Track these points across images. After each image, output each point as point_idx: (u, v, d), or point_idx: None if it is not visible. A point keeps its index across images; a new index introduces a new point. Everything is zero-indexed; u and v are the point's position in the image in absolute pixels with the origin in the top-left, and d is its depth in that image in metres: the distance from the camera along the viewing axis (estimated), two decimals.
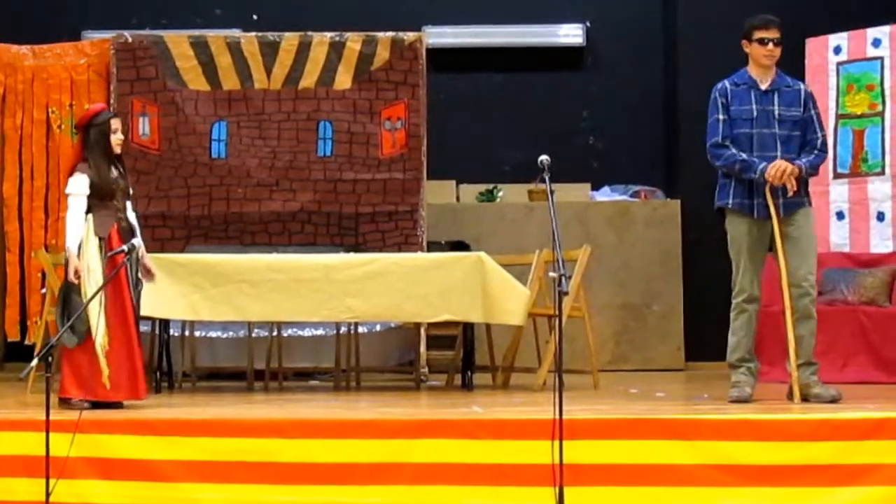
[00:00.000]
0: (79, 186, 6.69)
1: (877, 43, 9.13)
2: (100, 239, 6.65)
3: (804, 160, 6.81)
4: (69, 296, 6.60)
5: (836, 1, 10.13)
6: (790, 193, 6.75)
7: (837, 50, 9.30)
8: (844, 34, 9.28)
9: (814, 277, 6.89)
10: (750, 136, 6.88)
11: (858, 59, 9.21)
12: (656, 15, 11.03)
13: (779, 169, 6.70)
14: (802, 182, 6.88)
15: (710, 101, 7.02)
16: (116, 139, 6.81)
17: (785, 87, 6.97)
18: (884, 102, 9.07)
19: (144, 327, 8.21)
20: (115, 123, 6.83)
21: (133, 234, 6.81)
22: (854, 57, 9.24)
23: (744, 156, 6.83)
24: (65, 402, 6.52)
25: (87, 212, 6.68)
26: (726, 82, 7.01)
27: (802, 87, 7.05)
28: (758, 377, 7.01)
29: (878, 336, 8.42)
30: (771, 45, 6.91)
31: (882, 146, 9.04)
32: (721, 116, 6.94)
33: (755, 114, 6.89)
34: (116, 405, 6.59)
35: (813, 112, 6.95)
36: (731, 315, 6.98)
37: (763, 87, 6.94)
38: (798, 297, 6.83)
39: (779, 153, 6.81)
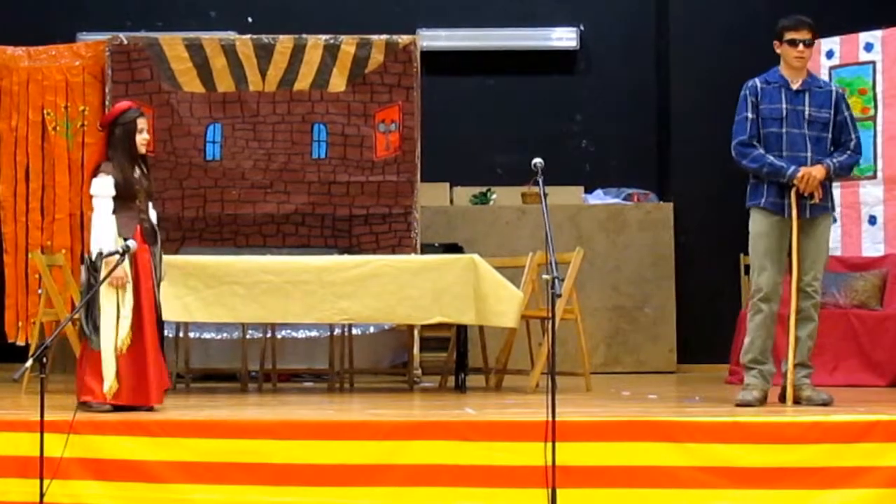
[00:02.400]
0: (105, 188, 6.55)
1: (869, 47, 9.16)
2: (124, 240, 6.48)
3: (834, 160, 6.77)
4: (95, 298, 6.45)
5: (829, 5, 10.17)
6: (816, 200, 6.74)
7: (830, 54, 9.33)
8: (837, 38, 9.31)
9: (819, 283, 6.88)
10: (780, 135, 6.81)
11: (851, 63, 9.24)
12: (649, 19, 11.06)
13: (808, 179, 6.67)
14: (828, 187, 6.85)
15: (739, 98, 6.92)
16: (142, 139, 6.68)
17: (816, 88, 6.91)
18: (876, 107, 9.10)
19: None
20: (142, 123, 6.70)
21: (156, 235, 6.75)
22: (846, 61, 9.27)
23: (771, 158, 6.76)
24: (85, 406, 6.36)
25: (112, 213, 6.56)
26: (757, 80, 6.93)
27: (834, 88, 7.00)
28: (771, 381, 6.92)
29: (869, 339, 8.45)
30: (801, 47, 6.86)
31: (874, 150, 9.06)
32: (749, 115, 6.85)
33: (785, 113, 6.82)
34: (142, 408, 6.46)
35: (846, 114, 6.90)
36: (748, 315, 6.96)
37: (794, 87, 6.87)
38: (802, 299, 6.82)
39: (809, 153, 6.78)
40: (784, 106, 6.85)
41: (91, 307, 6.47)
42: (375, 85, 9.35)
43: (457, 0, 11.10)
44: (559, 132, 10.99)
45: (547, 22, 11.04)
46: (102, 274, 6.40)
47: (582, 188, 10.72)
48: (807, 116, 6.84)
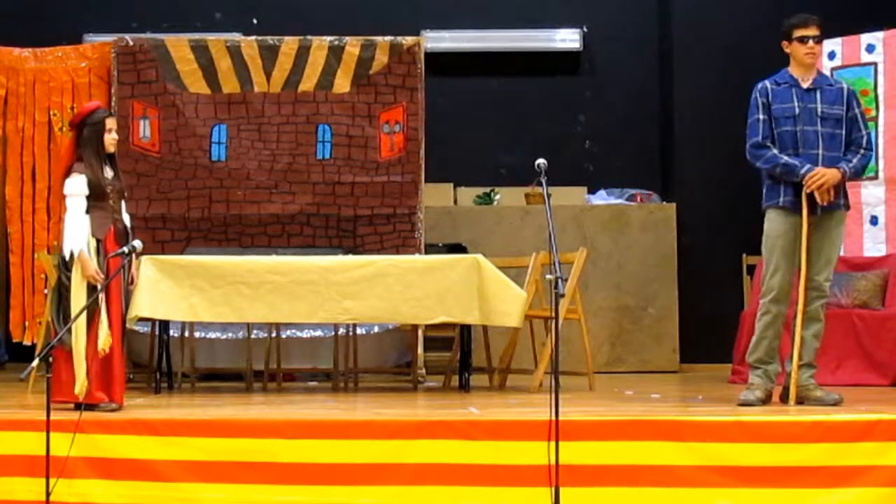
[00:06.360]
0: (78, 187, 6.51)
1: (871, 48, 9.18)
2: (97, 241, 6.51)
3: (849, 165, 6.76)
4: (65, 297, 6.47)
5: (831, 6, 10.17)
6: (823, 203, 6.70)
7: (832, 55, 9.34)
8: (839, 39, 9.32)
9: (830, 283, 6.86)
10: (794, 133, 6.79)
11: (852, 64, 9.26)
12: (653, 20, 11.08)
13: (819, 179, 6.64)
14: (842, 185, 6.81)
15: (750, 101, 6.91)
16: (111, 139, 6.65)
17: (826, 86, 6.91)
18: (877, 108, 9.11)
19: (144, 328, 8.30)
20: (111, 123, 6.67)
21: (128, 236, 6.68)
22: (848, 62, 9.28)
23: (785, 158, 6.73)
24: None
25: (85, 213, 6.53)
26: (767, 82, 6.92)
27: (845, 85, 6.98)
28: (775, 380, 6.91)
29: (871, 339, 8.47)
30: (811, 43, 6.86)
31: (875, 151, 9.07)
32: (761, 116, 6.83)
33: (798, 111, 6.80)
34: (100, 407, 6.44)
35: (857, 111, 6.89)
36: (757, 315, 6.92)
37: (805, 85, 6.86)
38: (813, 299, 6.80)
39: (821, 151, 6.75)
40: (796, 104, 6.82)
41: (65, 307, 6.45)
42: (380, 86, 9.39)
43: (461, 2, 11.13)
44: (562, 133, 11.01)
45: (550, 23, 11.06)
46: (79, 273, 6.41)
47: (585, 189, 10.74)
48: (819, 113, 6.82)
